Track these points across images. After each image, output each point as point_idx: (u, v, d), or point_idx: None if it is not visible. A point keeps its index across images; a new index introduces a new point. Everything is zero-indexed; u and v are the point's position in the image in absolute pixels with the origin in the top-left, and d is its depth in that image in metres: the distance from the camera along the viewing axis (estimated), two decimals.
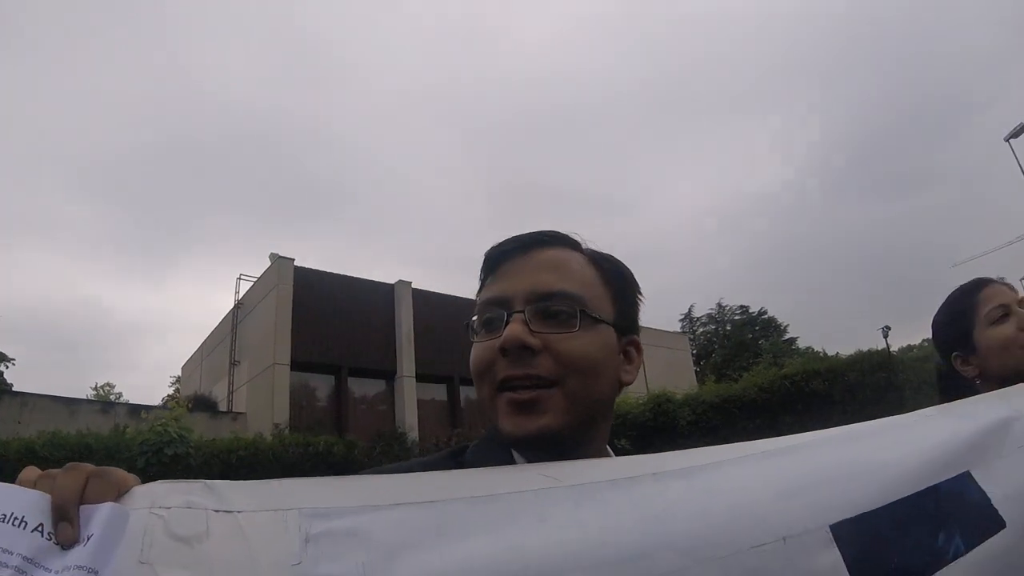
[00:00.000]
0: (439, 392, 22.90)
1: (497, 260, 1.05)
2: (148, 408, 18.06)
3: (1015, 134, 23.71)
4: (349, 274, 22.77)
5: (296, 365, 19.87)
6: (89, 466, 0.71)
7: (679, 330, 40.87)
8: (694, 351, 38.72)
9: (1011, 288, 1.66)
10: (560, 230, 1.10)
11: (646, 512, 0.76)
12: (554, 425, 0.94)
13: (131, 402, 20.83)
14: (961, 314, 1.63)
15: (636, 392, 15.67)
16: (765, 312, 47.10)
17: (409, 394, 21.52)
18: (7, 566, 0.62)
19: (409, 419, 20.73)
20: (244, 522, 0.69)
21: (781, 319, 47.03)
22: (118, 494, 0.70)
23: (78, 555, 0.64)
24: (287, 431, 16.23)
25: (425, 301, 23.09)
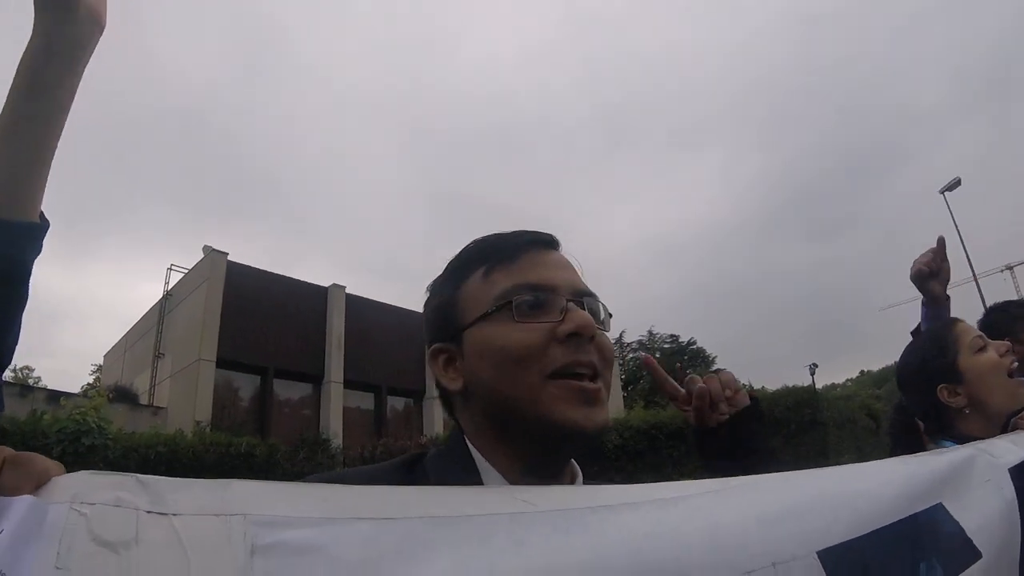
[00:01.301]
0: (366, 400, 22.66)
1: (517, 249, 1.02)
2: (68, 395, 17.45)
3: (950, 187, 24.55)
4: (283, 273, 22.46)
5: (222, 362, 19.48)
6: (7, 450, 0.63)
7: None
8: (623, 376, 38.94)
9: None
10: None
11: (629, 537, 0.73)
12: (608, 420, 0.95)
13: (50, 387, 20.09)
14: (944, 347, 1.68)
15: None
16: (694, 342, 47.67)
17: (336, 400, 21.23)
18: None
19: (334, 426, 20.40)
20: (180, 527, 0.60)
21: (710, 350, 47.65)
22: (37, 485, 0.61)
23: None
24: (208, 429, 15.85)
25: (358, 307, 22.90)
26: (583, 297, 0.99)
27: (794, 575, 0.76)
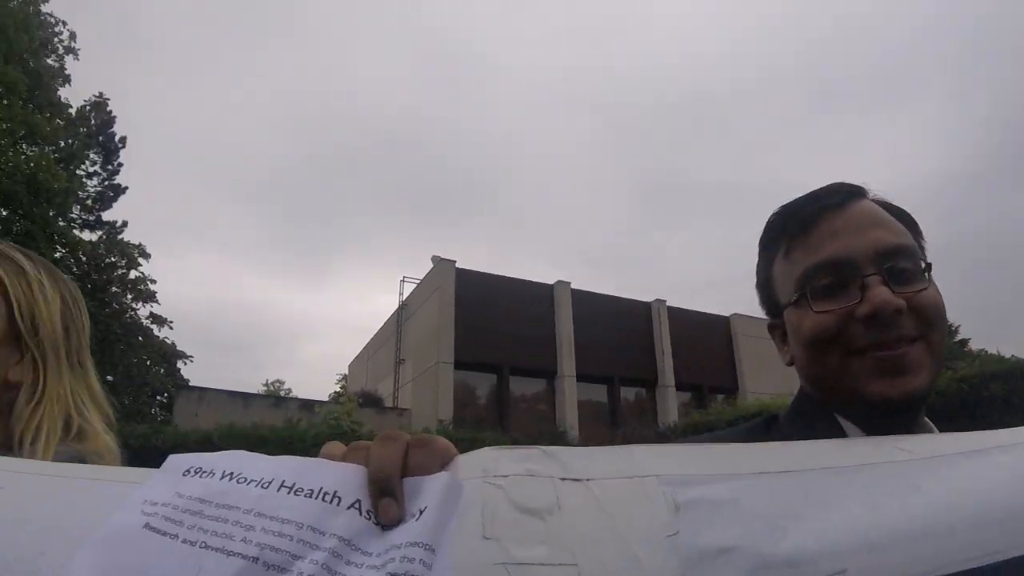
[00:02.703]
0: (598, 392, 22.87)
1: (812, 219, 0.99)
2: (320, 403, 18.74)
3: None
4: (509, 275, 23.06)
5: (459, 364, 20.32)
6: (406, 434, 0.62)
7: None
8: None
9: None
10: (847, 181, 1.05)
11: (1012, 478, 0.68)
12: (924, 384, 0.89)
13: (300, 397, 21.72)
14: None
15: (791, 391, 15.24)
16: None
17: (570, 394, 21.56)
18: (320, 548, 0.52)
19: (570, 418, 20.81)
20: (597, 491, 0.59)
21: (952, 319, 44.38)
22: (443, 464, 0.60)
23: (409, 531, 0.54)
24: (451, 427, 16.50)
25: (583, 301, 23.14)
26: (887, 262, 0.92)
27: None
